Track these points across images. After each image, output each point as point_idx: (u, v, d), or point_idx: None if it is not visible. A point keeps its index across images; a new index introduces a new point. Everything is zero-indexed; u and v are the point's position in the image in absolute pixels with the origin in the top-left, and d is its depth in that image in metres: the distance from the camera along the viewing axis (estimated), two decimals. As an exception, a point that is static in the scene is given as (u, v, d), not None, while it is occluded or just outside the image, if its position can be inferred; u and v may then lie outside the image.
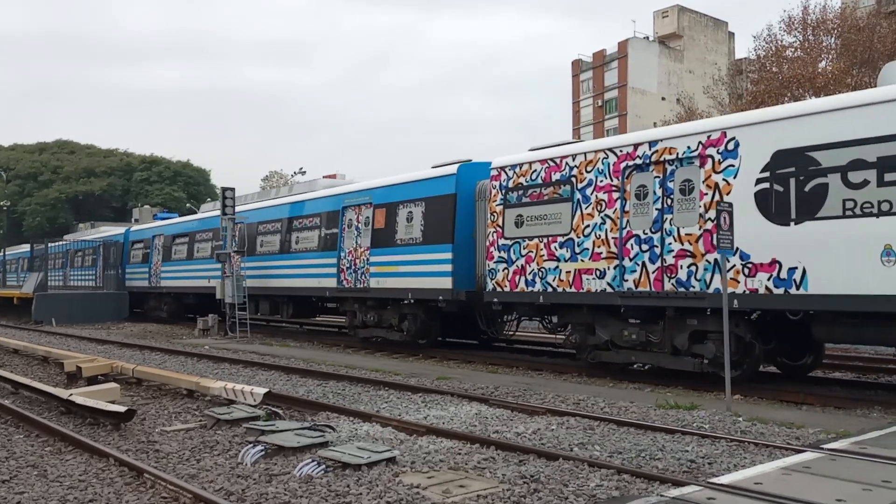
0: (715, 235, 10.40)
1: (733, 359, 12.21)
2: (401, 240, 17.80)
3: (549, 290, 14.29)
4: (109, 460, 7.75)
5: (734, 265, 11.28)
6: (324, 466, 7.13)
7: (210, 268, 26.08)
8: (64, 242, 39.61)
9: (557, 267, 14.19)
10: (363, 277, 18.89)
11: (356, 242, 19.37)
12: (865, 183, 10.03)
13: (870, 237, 9.90)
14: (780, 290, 10.87)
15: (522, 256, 14.82)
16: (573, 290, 13.86)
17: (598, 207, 13.56)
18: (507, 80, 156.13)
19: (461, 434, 8.59)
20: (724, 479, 6.25)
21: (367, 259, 18.76)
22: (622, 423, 9.11)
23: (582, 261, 13.77)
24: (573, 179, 14.11)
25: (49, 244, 36.61)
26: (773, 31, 37.86)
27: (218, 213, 25.41)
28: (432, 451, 7.88)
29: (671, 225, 12.41)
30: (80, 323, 29.50)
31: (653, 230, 12.66)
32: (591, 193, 13.71)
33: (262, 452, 7.78)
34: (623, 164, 13.18)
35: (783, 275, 10.81)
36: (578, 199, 13.95)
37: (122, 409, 9.59)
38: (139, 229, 35.64)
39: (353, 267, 19.32)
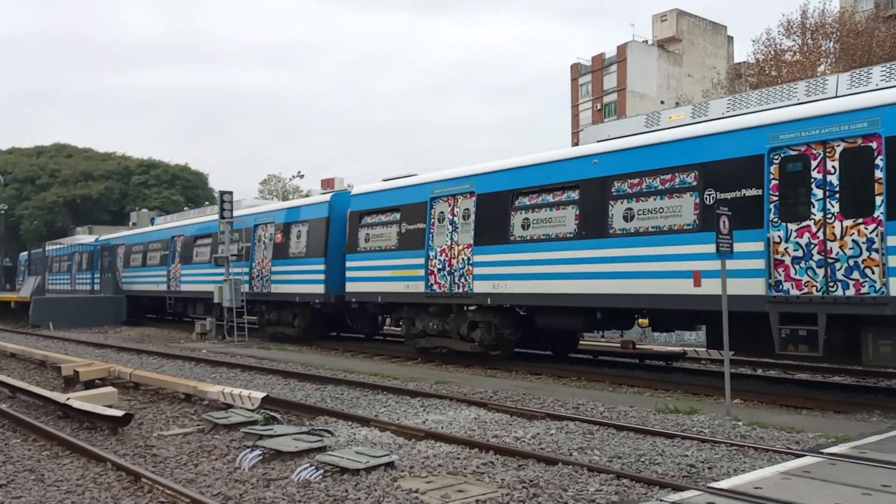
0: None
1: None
2: None
3: None
4: (107, 465, 7.73)
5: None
6: (322, 471, 7.11)
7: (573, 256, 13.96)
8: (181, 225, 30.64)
9: None
10: None
11: None
12: None
13: None
14: None
15: None
16: None
17: None
18: (504, 83, 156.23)
19: (460, 439, 8.56)
20: (724, 484, 6.23)
21: None
22: (621, 428, 9.08)
23: None
24: None
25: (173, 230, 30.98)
26: (771, 34, 38.06)
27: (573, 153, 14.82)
28: (431, 456, 7.85)
29: None
30: (77, 327, 29.46)
31: None
32: None
33: (260, 457, 7.76)
34: None
35: None
36: None
37: (119, 413, 9.56)
38: (376, 191, 19.52)
39: None
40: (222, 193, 24.92)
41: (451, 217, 16.55)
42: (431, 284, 16.82)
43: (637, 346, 19.17)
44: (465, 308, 16.32)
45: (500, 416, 10.11)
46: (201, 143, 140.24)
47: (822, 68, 35.51)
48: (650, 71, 75.46)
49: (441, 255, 16.67)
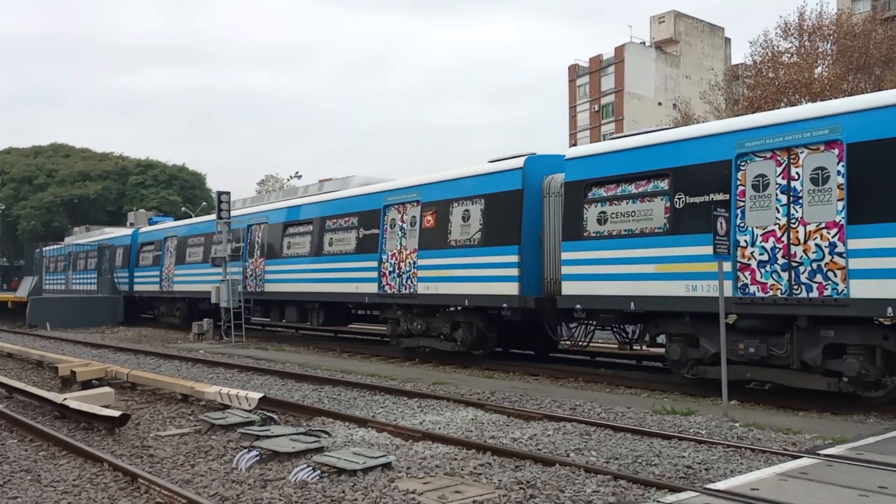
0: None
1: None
2: None
3: None
4: (103, 465, 7.72)
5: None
6: (319, 472, 7.10)
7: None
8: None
9: None
10: None
11: None
12: None
13: None
14: None
15: None
16: None
17: None
18: (502, 85, 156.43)
19: (457, 439, 8.56)
20: (721, 485, 6.25)
21: None
22: (619, 429, 9.09)
23: None
24: None
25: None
26: (769, 36, 38.01)
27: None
28: (428, 457, 7.85)
29: None
30: (74, 327, 29.42)
31: None
32: None
33: (257, 458, 7.75)
34: None
35: None
36: None
37: (116, 413, 9.55)
38: (616, 151, 14.02)
39: None
40: (220, 194, 24.90)
41: (780, 182, 11.03)
42: (744, 285, 11.34)
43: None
44: (817, 323, 10.79)
45: (498, 417, 10.11)
46: (200, 144, 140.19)
47: (819, 70, 35.56)
48: (648, 72, 75.59)
49: (762, 241, 11.18)
